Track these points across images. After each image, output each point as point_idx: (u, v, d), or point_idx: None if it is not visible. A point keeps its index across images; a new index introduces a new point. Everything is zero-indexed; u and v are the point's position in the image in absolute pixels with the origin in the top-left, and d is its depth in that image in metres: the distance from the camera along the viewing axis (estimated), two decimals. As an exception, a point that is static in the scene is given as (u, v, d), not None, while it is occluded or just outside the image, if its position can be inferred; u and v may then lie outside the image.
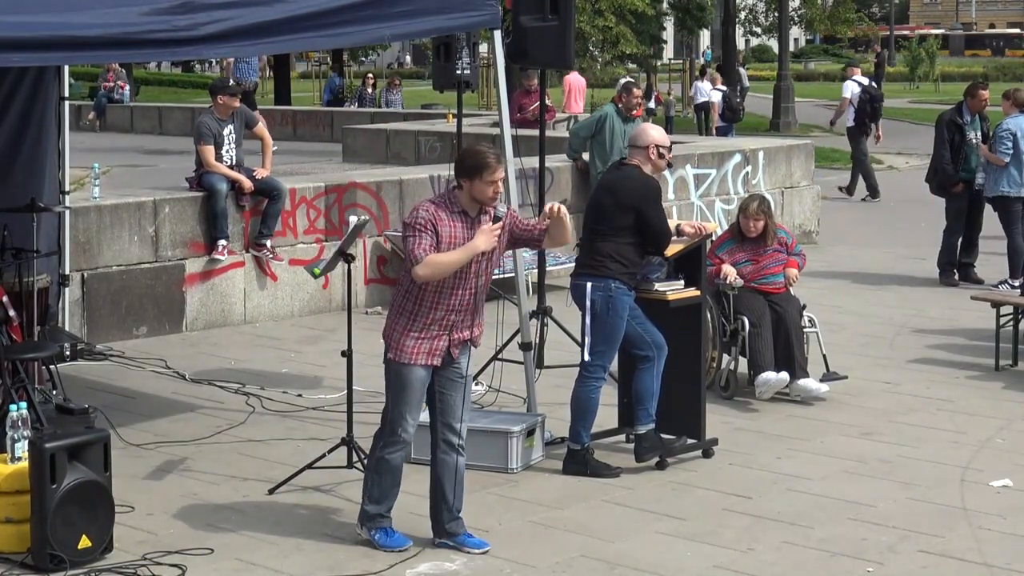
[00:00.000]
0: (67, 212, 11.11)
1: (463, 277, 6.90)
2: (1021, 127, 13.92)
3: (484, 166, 6.83)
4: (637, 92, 14.62)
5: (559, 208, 7.06)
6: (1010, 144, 13.85)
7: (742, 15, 48.47)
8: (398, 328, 6.94)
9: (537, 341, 9.76)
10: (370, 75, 27.64)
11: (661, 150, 8.31)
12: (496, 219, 6.92)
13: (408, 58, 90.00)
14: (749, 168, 16.66)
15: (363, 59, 61.22)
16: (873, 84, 24.14)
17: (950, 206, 14.70)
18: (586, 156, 14.80)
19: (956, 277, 14.60)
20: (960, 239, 14.71)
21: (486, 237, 6.82)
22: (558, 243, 7.29)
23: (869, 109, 22.32)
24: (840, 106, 23.88)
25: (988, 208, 14.56)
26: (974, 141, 14.40)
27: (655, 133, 8.39)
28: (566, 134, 20.61)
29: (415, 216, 6.85)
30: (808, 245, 15.67)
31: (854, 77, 22.68)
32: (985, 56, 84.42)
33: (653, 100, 36.73)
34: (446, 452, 7.11)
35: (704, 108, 34.73)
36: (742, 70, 40.25)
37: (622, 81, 16.35)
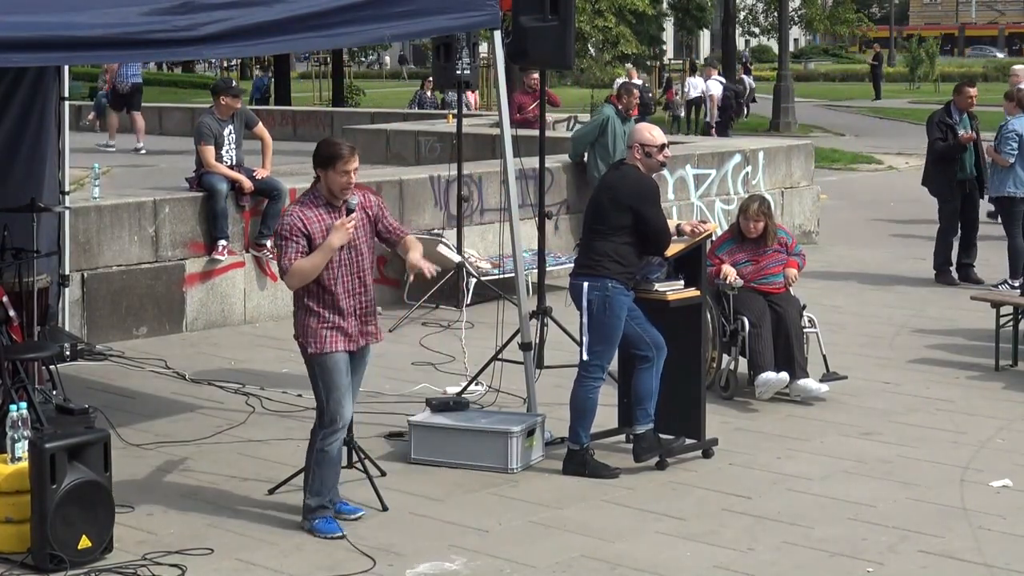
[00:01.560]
0: (67, 212, 11.11)
1: (339, 267, 7.22)
2: None
3: (337, 156, 7.14)
4: (636, 93, 14.66)
5: (416, 269, 7.36)
6: (1015, 144, 13.85)
7: (742, 15, 48.48)
8: (310, 324, 7.23)
9: (537, 341, 9.76)
10: (429, 78, 27.26)
11: (647, 149, 8.29)
12: (349, 211, 7.18)
13: (387, 58, 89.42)
14: (749, 168, 16.66)
15: (363, 59, 61.21)
16: (743, 79, 24.77)
17: (944, 207, 14.70)
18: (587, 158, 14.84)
19: (955, 277, 14.61)
20: (956, 239, 14.72)
21: (339, 233, 7.14)
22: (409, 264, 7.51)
23: (734, 105, 22.90)
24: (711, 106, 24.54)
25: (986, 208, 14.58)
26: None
27: (645, 133, 8.37)
28: (566, 134, 20.64)
29: (281, 225, 7.21)
30: (808, 245, 15.68)
31: (713, 77, 23.01)
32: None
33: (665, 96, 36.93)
34: (321, 428, 7.37)
35: (696, 104, 35.21)
36: (748, 79, 40.09)
37: (619, 81, 16.39)
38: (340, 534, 7.22)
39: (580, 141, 14.96)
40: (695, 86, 35.82)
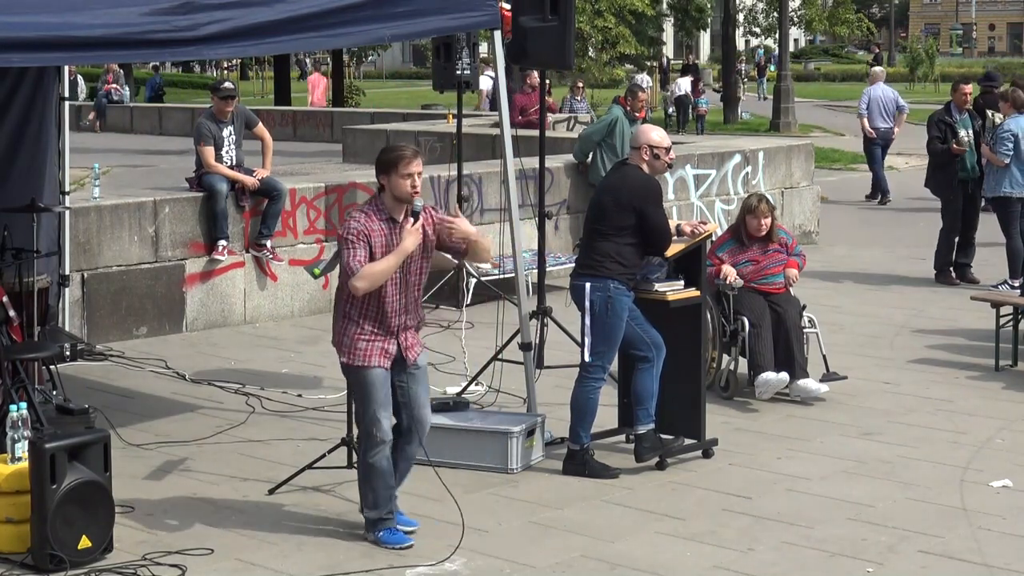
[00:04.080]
0: (67, 212, 11.11)
1: (397, 279, 7.03)
2: (1022, 128, 13.92)
3: (399, 159, 6.98)
4: (642, 96, 14.66)
5: (462, 228, 7.15)
6: (1011, 145, 13.85)
7: (741, 16, 48.46)
8: (349, 333, 7.07)
9: (537, 341, 9.76)
10: (580, 83, 27.14)
11: (655, 151, 8.29)
12: (414, 214, 7.02)
13: (371, 57, 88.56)
14: (749, 168, 16.66)
15: (363, 59, 61.19)
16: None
17: (947, 206, 14.71)
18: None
19: (954, 276, 14.62)
20: (957, 239, 14.72)
21: (412, 237, 6.97)
22: (478, 260, 7.49)
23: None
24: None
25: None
26: (966, 139, 14.41)
27: (652, 134, 8.38)
28: (566, 134, 20.63)
29: (347, 228, 7.00)
30: (808, 245, 15.68)
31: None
32: None
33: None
34: (409, 442, 7.28)
35: (681, 103, 36.57)
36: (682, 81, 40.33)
37: (638, 78, 16.45)
38: (408, 544, 7.11)
39: (588, 140, 14.90)
40: (680, 87, 37.89)
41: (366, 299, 7.00)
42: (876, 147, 21.91)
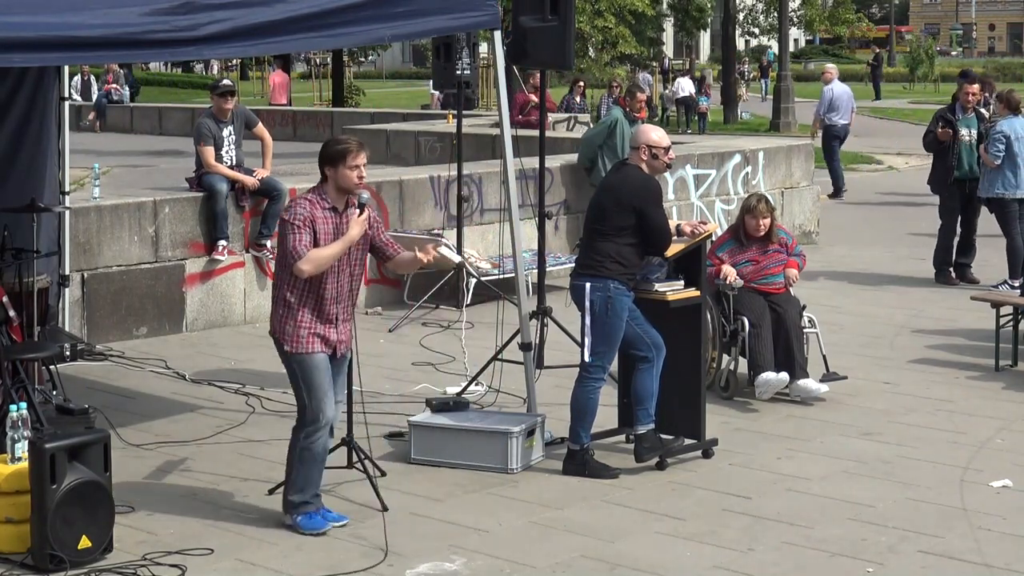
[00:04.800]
0: (67, 212, 11.11)
1: (338, 269, 7.23)
2: (1015, 129, 13.93)
3: (346, 152, 7.17)
4: (641, 96, 14.63)
5: (430, 257, 7.38)
6: (1002, 146, 13.86)
7: (741, 16, 48.46)
8: (289, 322, 7.24)
9: (537, 341, 9.76)
10: (580, 83, 26.97)
11: (654, 151, 8.29)
12: (361, 206, 7.23)
13: (370, 57, 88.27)
14: (749, 168, 16.66)
15: (363, 59, 61.20)
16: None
17: (944, 205, 14.73)
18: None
19: (953, 276, 14.62)
20: (956, 239, 14.73)
21: (358, 226, 7.19)
22: (399, 271, 7.66)
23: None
24: None
25: (985, 209, 14.59)
26: (967, 139, 14.42)
27: (651, 134, 8.38)
28: (566, 134, 20.63)
29: (293, 213, 7.17)
30: (808, 245, 15.68)
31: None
32: None
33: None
34: (303, 426, 7.38)
35: (686, 103, 37.00)
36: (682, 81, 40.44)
37: (640, 76, 16.47)
38: (323, 530, 7.25)
39: (590, 145, 14.69)
40: (683, 87, 38.43)
41: (306, 287, 7.19)
42: (835, 143, 22.58)
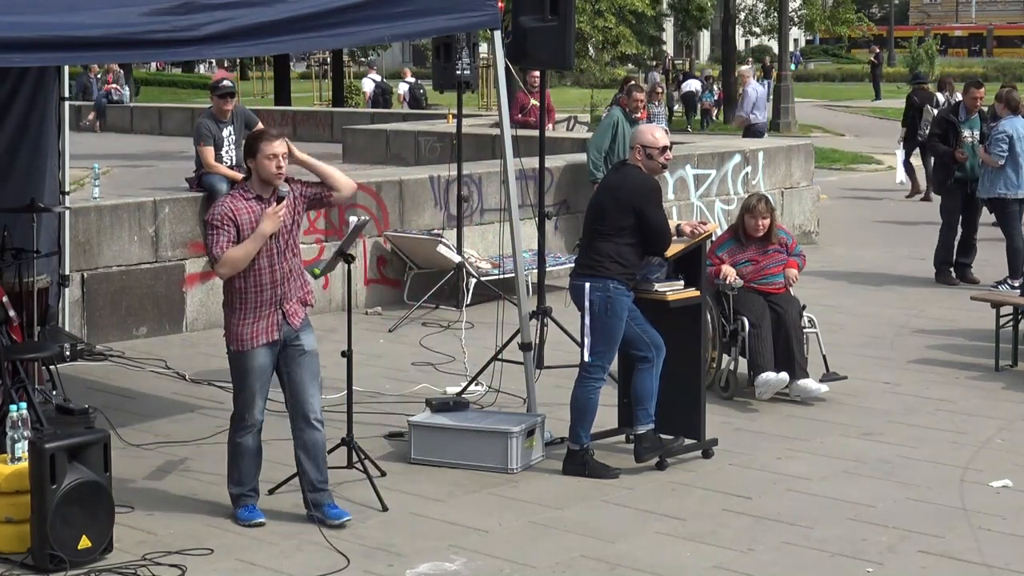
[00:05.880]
0: (67, 212, 11.12)
1: (269, 257, 7.24)
2: (1017, 129, 13.93)
3: (260, 141, 7.20)
4: (638, 96, 14.58)
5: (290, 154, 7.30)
6: (1005, 146, 13.86)
7: (742, 16, 48.47)
8: (233, 321, 7.34)
9: (537, 341, 9.76)
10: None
11: (648, 151, 8.29)
12: (280, 199, 7.22)
13: (370, 56, 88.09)
14: (749, 168, 16.66)
15: (363, 60, 61.16)
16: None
17: (945, 205, 14.74)
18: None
19: (954, 277, 14.62)
20: (957, 238, 14.73)
21: (270, 220, 7.19)
22: (343, 191, 7.48)
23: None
24: None
25: (985, 209, 14.60)
26: (969, 140, 14.42)
27: (647, 135, 8.37)
28: (566, 134, 20.63)
29: (212, 214, 7.22)
30: (808, 245, 15.68)
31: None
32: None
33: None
34: (303, 429, 7.50)
35: (688, 98, 37.35)
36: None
37: (651, 76, 16.41)
38: (260, 520, 7.38)
39: (596, 149, 14.26)
40: (690, 85, 39.43)
41: (242, 281, 7.23)
42: (758, 139, 22.83)
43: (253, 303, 7.28)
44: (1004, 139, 13.88)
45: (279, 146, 7.21)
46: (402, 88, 38.70)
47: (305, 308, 7.47)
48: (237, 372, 7.42)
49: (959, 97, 24.20)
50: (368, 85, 39.70)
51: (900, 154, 22.35)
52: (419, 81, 39.85)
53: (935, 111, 20.59)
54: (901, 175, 22.46)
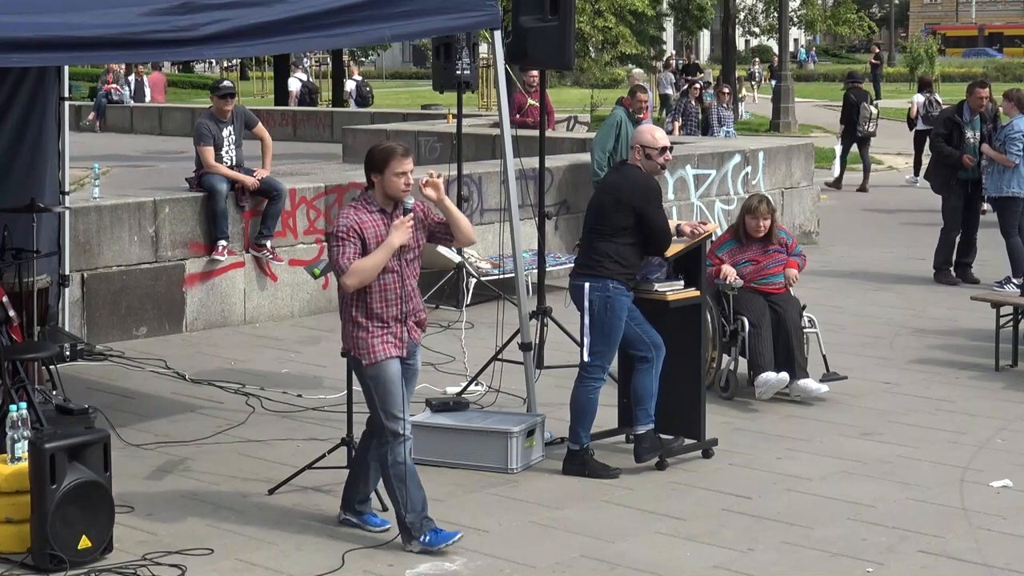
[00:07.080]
0: (67, 212, 11.11)
1: (397, 272, 7.07)
2: None
3: (390, 158, 7.02)
4: (641, 96, 14.55)
5: (432, 184, 7.15)
6: (1021, 146, 13.85)
7: (741, 16, 48.49)
8: (363, 336, 7.06)
9: (537, 341, 9.76)
10: (697, 85, 26.09)
11: (647, 151, 8.29)
12: (405, 211, 7.07)
13: (371, 56, 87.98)
14: (749, 168, 16.66)
15: (363, 60, 61.20)
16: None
17: (946, 204, 14.73)
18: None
19: (955, 277, 14.62)
20: (957, 238, 14.73)
21: (400, 232, 7.01)
22: (462, 242, 7.43)
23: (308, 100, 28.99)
24: None
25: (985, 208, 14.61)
26: (972, 141, 14.42)
27: (645, 135, 8.37)
28: (566, 134, 20.62)
29: (337, 225, 7.03)
30: (808, 245, 15.68)
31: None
32: None
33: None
34: (388, 443, 7.13)
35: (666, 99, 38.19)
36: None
37: (661, 76, 16.38)
38: (458, 536, 7.05)
39: (601, 150, 14.22)
40: (664, 82, 41.06)
41: (368, 296, 7.02)
42: None
43: (381, 318, 7.03)
44: (1020, 139, 13.86)
45: (408, 164, 7.04)
46: (349, 86, 39.35)
47: (420, 328, 7.26)
48: (379, 383, 7.04)
49: (939, 97, 25.03)
50: (295, 84, 40.37)
51: (838, 148, 24.24)
52: (365, 80, 40.65)
53: (871, 108, 23.32)
54: (837, 169, 24.08)
